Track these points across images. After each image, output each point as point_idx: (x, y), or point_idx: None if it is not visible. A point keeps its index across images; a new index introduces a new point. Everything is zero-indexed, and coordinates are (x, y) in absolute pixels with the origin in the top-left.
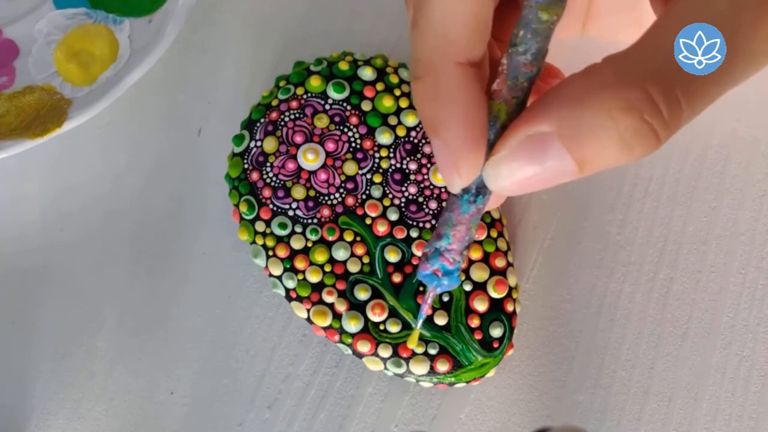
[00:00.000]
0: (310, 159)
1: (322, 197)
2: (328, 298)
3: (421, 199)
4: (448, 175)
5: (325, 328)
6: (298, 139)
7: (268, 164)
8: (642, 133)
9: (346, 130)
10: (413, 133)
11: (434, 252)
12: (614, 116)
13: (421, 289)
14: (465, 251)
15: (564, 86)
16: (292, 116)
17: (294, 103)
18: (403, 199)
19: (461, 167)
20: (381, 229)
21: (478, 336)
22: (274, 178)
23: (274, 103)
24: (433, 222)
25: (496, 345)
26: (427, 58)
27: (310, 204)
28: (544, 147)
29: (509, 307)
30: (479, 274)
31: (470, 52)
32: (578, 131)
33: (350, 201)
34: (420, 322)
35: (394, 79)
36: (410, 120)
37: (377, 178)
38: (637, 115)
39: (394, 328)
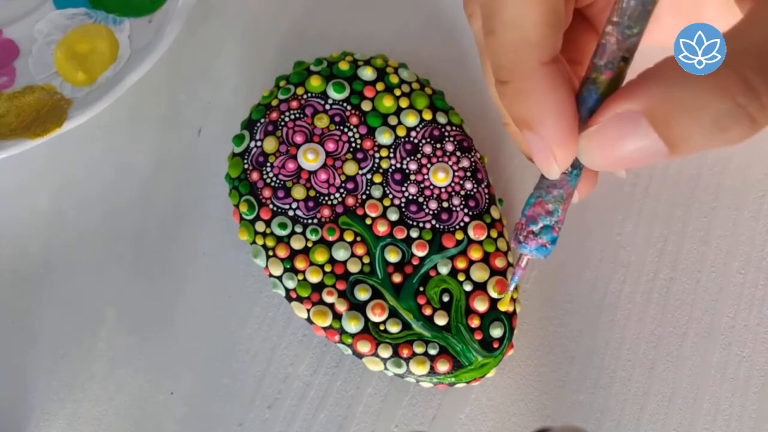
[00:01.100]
0: (310, 159)
1: (322, 197)
2: (328, 299)
3: (421, 199)
4: (547, 165)
5: (325, 329)
6: (298, 139)
7: (268, 164)
8: (736, 115)
9: (346, 130)
10: (413, 133)
11: (544, 228)
12: (706, 98)
13: (421, 289)
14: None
15: (656, 67)
16: (292, 116)
17: (294, 103)
18: (403, 199)
19: (559, 156)
20: (381, 229)
21: (478, 336)
22: (274, 178)
23: (274, 103)
24: (433, 222)
25: (496, 345)
26: (510, 62)
27: (311, 204)
28: (634, 125)
29: (509, 307)
30: (479, 274)
31: (550, 48)
32: (668, 112)
33: (350, 201)
34: (514, 285)
35: (394, 79)
36: (410, 120)
37: (377, 178)
38: (730, 98)
39: (394, 328)
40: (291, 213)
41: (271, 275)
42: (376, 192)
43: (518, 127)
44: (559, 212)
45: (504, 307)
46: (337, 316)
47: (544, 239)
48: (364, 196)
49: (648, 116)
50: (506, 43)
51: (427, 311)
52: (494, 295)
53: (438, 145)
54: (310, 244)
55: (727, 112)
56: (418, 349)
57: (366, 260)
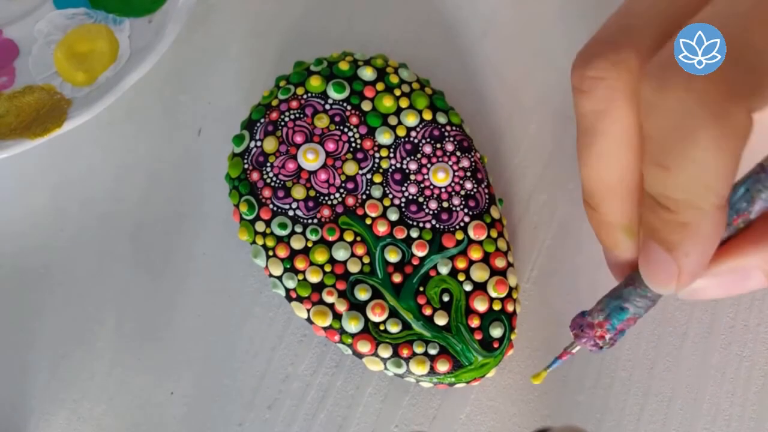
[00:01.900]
0: (310, 159)
1: (322, 197)
2: (329, 298)
3: (421, 199)
4: (666, 284)
5: (325, 329)
6: (298, 139)
7: (268, 164)
8: None
9: (346, 130)
10: (413, 133)
11: (619, 333)
12: None
13: (421, 289)
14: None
15: None
16: (292, 116)
17: (294, 103)
18: (404, 199)
19: (682, 282)
20: (381, 229)
21: (478, 336)
22: (274, 178)
23: (274, 103)
24: (433, 222)
25: (496, 345)
26: (684, 197)
27: (311, 204)
28: (747, 277)
29: (509, 307)
30: (479, 274)
31: (724, 196)
32: None
33: (350, 201)
34: (555, 365)
35: (394, 79)
36: (410, 120)
37: (377, 178)
38: None
39: (394, 328)
40: (291, 213)
41: (271, 275)
42: (376, 192)
43: (656, 242)
44: (616, 324)
45: (537, 380)
46: (337, 316)
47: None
48: (364, 196)
49: (762, 270)
50: (683, 179)
51: (427, 311)
52: (494, 294)
53: (438, 145)
54: (310, 244)
55: None
56: (418, 349)
57: (366, 260)
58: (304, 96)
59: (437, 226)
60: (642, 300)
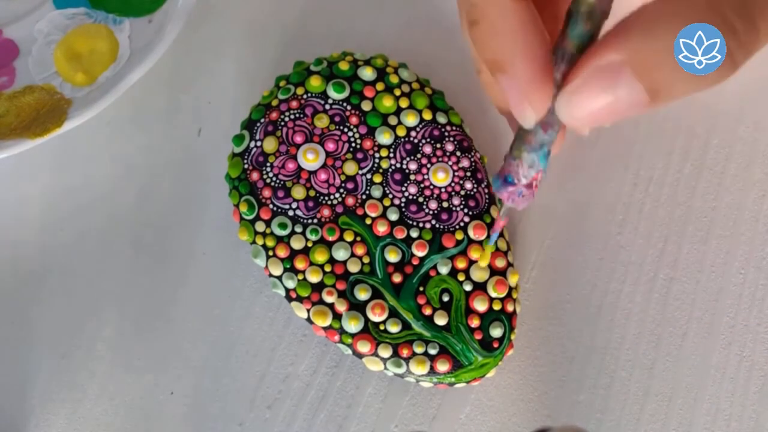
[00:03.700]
0: (310, 159)
1: (322, 197)
2: (328, 298)
3: (421, 199)
4: (521, 109)
5: (325, 328)
6: (298, 139)
7: (268, 164)
8: None
9: (346, 130)
10: (413, 133)
11: (503, 179)
12: None
13: (421, 289)
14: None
15: (635, 15)
16: (292, 116)
17: (294, 103)
18: (403, 199)
19: (533, 100)
20: (381, 229)
21: (478, 336)
22: (274, 178)
23: (274, 103)
24: (433, 222)
25: (496, 345)
26: (482, 1)
27: (310, 204)
28: (616, 76)
29: (509, 307)
30: (479, 274)
31: None
32: (649, 60)
33: (350, 201)
34: (494, 238)
35: (394, 79)
36: (410, 120)
37: (377, 178)
38: None
39: (394, 328)
40: (291, 213)
41: (271, 275)
42: (376, 192)
43: (491, 71)
44: (541, 165)
45: (484, 263)
46: (337, 316)
47: (523, 192)
48: (364, 196)
49: (630, 66)
50: None
51: (427, 311)
52: (494, 294)
53: (438, 145)
54: (310, 244)
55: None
56: (418, 349)
57: (366, 260)
58: (304, 96)
59: (437, 226)
60: (534, 133)
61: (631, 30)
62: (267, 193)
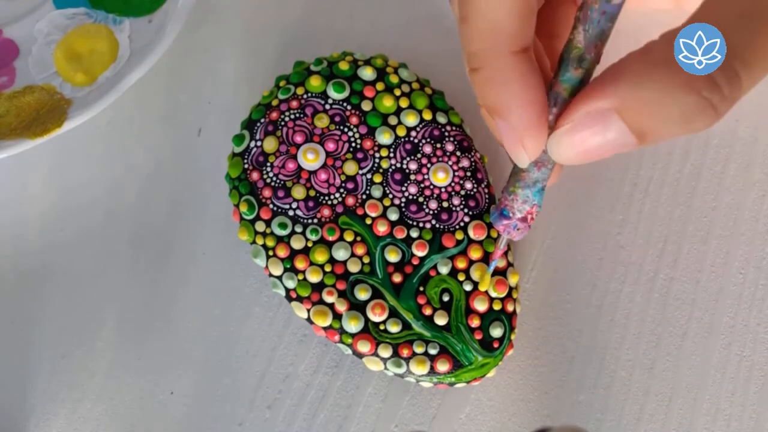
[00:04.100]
0: (310, 159)
1: (322, 197)
2: (328, 298)
3: (421, 199)
4: (516, 152)
5: (325, 328)
6: (298, 139)
7: (268, 164)
8: (701, 108)
9: (346, 130)
10: (413, 133)
11: (499, 213)
12: (673, 94)
13: (421, 289)
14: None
15: (623, 63)
16: (292, 116)
17: (294, 103)
18: (403, 199)
19: (528, 144)
20: (381, 229)
21: (478, 336)
22: (274, 178)
23: (274, 103)
24: (433, 222)
25: (496, 345)
26: (481, 49)
27: (311, 204)
28: (605, 122)
29: (509, 307)
30: (479, 274)
31: (521, 39)
32: (637, 107)
33: (350, 201)
34: (492, 266)
35: (394, 79)
36: (410, 120)
37: (377, 178)
38: (695, 92)
39: (394, 328)
40: (291, 213)
41: (271, 275)
42: (376, 192)
43: (489, 114)
44: (535, 200)
45: (483, 286)
46: (337, 316)
47: (518, 225)
48: (364, 196)
49: (618, 113)
50: (477, 30)
51: (427, 311)
52: (494, 294)
53: (438, 145)
54: (310, 244)
55: (694, 105)
56: (418, 349)
57: (366, 260)
58: (304, 96)
59: (437, 226)
60: (528, 171)
61: (620, 77)
62: (267, 193)
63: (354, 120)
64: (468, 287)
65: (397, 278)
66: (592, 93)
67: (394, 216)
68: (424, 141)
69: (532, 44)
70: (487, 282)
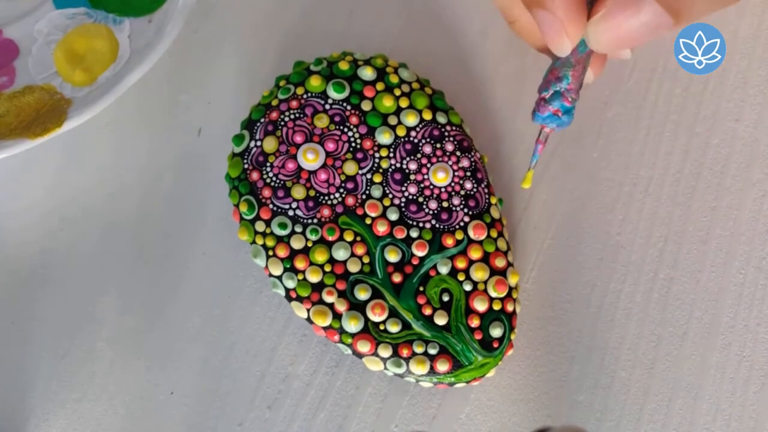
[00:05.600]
0: (310, 159)
1: (322, 197)
2: (328, 298)
3: (421, 199)
4: (558, 41)
5: (325, 328)
6: (298, 139)
7: (268, 164)
8: None
9: (346, 130)
10: (413, 133)
11: (554, 94)
12: None
13: (421, 289)
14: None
15: None
16: (292, 116)
17: (294, 103)
18: (403, 199)
19: (570, 30)
20: (381, 229)
21: (478, 336)
22: (274, 178)
23: (274, 102)
24: (433, 222)
25: (496, 345)
26: None
27: (310, 204)
28: (638, 4)
29: (509, 307)
30: (479, 274)
31: None
32: None
33: (350, 201)
34: (534, 162)
35: (394, 79)
36: (410, 120)
37: (377, 178)
38: None
39: (394, 328)
40: (291, 213)
41: (271, 275)
42: (376, 192)
43: (529, 7)
44: (569, 78)
45: (526, 184)
46: (337, 316)
47: (555, 106)
48: (364, 196)
49: None
50: None
51: (427, 311)
52: (494, 294)
53: (438, 145)
54: (310, 244)
55: None
56: (418, 349)
57: (366, 260)
58: (304, 96)
59: (437, 225)
60: (554, 60)
61: None
62: (267, 192)
63: (354, 120)
64: (468, 287)
65: (397, 278)
66: None
67: (394, 216)
68: (424, 141)
69: None
70: (529, 179)
